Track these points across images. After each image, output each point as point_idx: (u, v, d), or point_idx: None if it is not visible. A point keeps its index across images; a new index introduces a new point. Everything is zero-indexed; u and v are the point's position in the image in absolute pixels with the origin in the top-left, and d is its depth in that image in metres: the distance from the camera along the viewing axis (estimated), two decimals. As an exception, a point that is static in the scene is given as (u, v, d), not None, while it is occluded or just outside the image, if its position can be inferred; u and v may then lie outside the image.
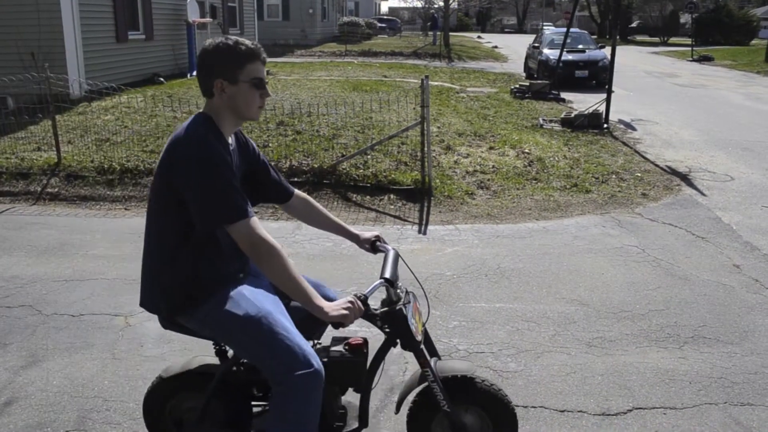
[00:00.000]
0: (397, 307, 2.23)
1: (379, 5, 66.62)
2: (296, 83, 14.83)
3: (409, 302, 2.30)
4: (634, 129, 11.12)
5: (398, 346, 2.29)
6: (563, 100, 14.16)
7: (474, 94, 14.51)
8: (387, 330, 2.28)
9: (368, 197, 6.81)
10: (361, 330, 3.38)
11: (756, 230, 5.89)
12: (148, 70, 15.20)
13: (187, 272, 2.15)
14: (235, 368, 2.39)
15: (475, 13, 71.42)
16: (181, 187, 2.05)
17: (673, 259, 5.14)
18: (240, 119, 2.21)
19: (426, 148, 7.00)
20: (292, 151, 7.92)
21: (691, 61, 28.87)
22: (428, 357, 2.33)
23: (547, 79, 15.25)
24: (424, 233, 5.82)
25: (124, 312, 4.12)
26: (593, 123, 10.72)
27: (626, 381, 3.39)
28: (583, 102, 13.30)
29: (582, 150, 9.11)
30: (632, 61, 27.01)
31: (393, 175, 7.17)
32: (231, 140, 2.23)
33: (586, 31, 22.30)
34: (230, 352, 2.37)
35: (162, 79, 14.99)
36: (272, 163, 2.53)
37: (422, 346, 2.32)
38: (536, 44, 19.60)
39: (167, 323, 2.28)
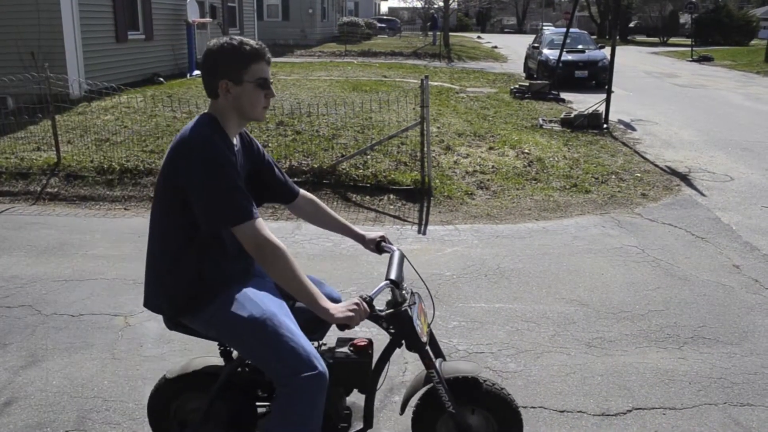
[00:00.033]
0: (403, 309, 2.23)
1: (379, 5, 66.65)
2: (296, 83, 14.83)
3: (415, 303, 2.29)
4: (633, 129, 11.12)
5: (403, 347, 2.29)
6: (563, 100, 14.16)
7: (474, 95, 14.52)
8: (392, 331, 2.28)
9: (368, 197, 6.81)
10: (361, 330, 3.38)
11: (756, 230, 5.89)
12: (147, 70, 15.20)
13: (192, 273, 2.15)
14: (239, 369, 2.38)
15: (475, 14, 71.43)
16: (185, 188, 2.05)
17: (673, 259, 5.14)
18: (245, 120, 2.20)
19: (426, 149, 7.00)
20: (291, 151, 7.92)
21: (690, 61, 28.88)
22: (433, 358, 2.33)
23: (547, 80, 15.25)
24: (424, 233, 5.83)
25: (124, 312, 4.12)
26: (593, 123, 10.72)
27: (626, 381, 3.40)
28: (583, 102, 13.30)
29: (582, 150, 9.11)
30: (632, 62, 27.02)
31: (393, 175, 7.17)
32: (235, 141, 2.22)
33: (585, 32, 22.30)
34: (235, 353, 2.37)
35: (162, 79, 15.00)
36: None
37: (427, 347, 2.31)
38: (536, 44, 19.60)
39: (172, 324, 2.28)
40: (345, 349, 2.32)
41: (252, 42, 2.14)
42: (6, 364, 3.48)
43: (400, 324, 2.24)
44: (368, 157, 7.76)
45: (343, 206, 6.61)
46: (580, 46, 18.35)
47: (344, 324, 2.04)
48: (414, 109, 9.31)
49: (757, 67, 24.81)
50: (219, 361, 2.44)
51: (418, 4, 42.55)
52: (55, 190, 6.92)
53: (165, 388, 2.48)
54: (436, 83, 16.05)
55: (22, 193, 6.85)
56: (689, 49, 31.95)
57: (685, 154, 9.20)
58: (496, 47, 35.97)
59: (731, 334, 3.91)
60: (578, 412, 3.13)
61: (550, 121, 11.22)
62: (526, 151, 8.77)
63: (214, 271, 2.17)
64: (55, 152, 7.55)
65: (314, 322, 2.24)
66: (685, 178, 7.76)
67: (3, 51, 11.38)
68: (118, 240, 5.51)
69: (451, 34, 36.74)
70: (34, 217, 6.21)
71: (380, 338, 2.47)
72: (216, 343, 2.35)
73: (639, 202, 6.81)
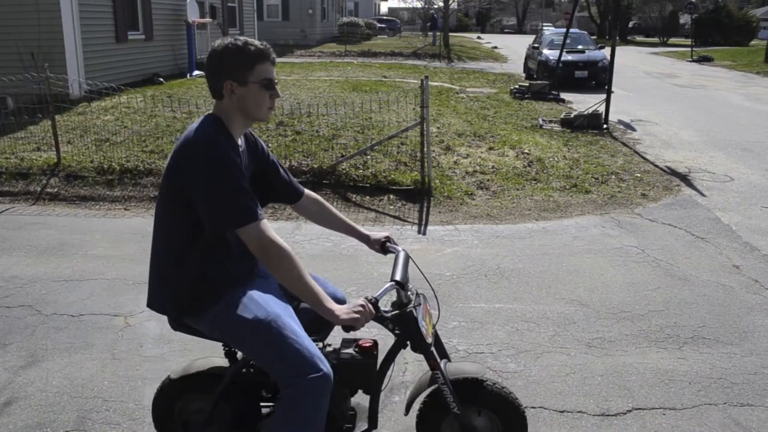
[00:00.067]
0: (408, 310, 2.23)
1: (379, 5, 66.65)
2: (296, 83, 14.83)
3: (420, 304, 2.29)
4: (633, 129, 11.12)
5: (408, 347, 2.29)
6: (563, 100, 14.16)
7: (473, 95, 14.52)
8: (397, 332, 2.28)
9: (368, 197, 6.82)
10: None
11: (755, 231, 5.89)
12: (147, 70, 15.20)
13: (196, 273, 2.14)
14: (244, 370, 2.38)
15: (475, 14, 71.44)
16: (190, 189, 2.04)
17: (673, 259, 5.14)
18: (250, 120, 2.20)
19: (426, 149, 7.00)
20: (291, 152, 7.92)
21: (690, 61, 28.89)
22: (438, 359, 2.33)
23: (547, 80, 15.25)
24: (424, 233, 5.82)
25: (124, 312, 4.12)
26: (593, 123, 10.72)
27: (626, 381, 3.40)
28: (583, 102, 13.30)
29: (581, 150, 9.12)
30: (632, 62, 27.02)
31: (393, 176, 7.17)
32: (240, 141, 2.21)
33: (585, 32, 22.31)
34: (239, 354, 2.37)
35: (162, 79, 14.99)
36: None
37: (432, 349, 2.31)
38: (536, 45, 19.61)
39: (176, 324, 2.27)
40: (350, 350, 2.31)
41: (257, 42, 2.13)
42: (6, 364, 3.48)
43: (405, 325, 2.24)
44: (368, 157, 7.76)
45: (342, 206, 6.61)
46: (580, 47, 18.35)
47: (350, 326, 2.04)
48: (414, 109, 9.31)
49: (756, 68, 24.82)
50: (223, 361, 2.44)
51: (418, 5, 42.57)
52: (55, 190, 6.92)
53: (169, 389, 2.47)
54: (435, 83, 16.05)
55: (22, 194, 6.85)
56: (689, 49, 31.95)
57: (685, 154, 9.20)
58: (495, 47, 35.97)
59: (731, 335, 3.91)
60: (578, 412, 3.13)
61: (550, 122, 11.22)
62: (526, 151, 8.77)
63: (218, 272, 2.16)
64: (55, 152, 7.55)
65: (318, 322, 2.24)
66: (685, 179, 7.76)
67: (3, 51, 11.39)
68: (118, 240, 5.51)
69: (450, 34, 36.74)
70: (34, 217, 6.21)
71: (381, 337, 2.47)
72: (219, 343, 2.35)
73: (639, 202, 6.81)
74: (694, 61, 28.88)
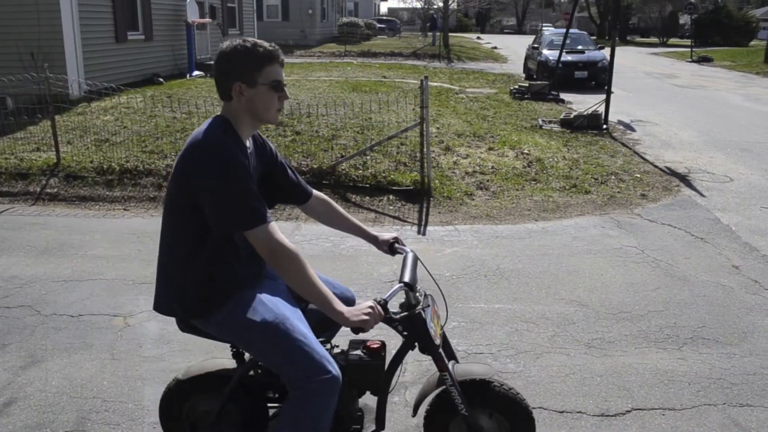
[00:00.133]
0: (416, 311, 2.22)
1: (379, 6, 66.66)
2: (295, 84, 14.83)
3: (428, 306, 2.29)
4: (633, 130, 11.12)
5: (416, 349, 2.29)
6: (562, 100, 14.17)
7: (473, 95, 14.52)
8: (405, 334, 2.28)
9: (367, 198, 6.82)
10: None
11: (755, 231, 5.89)
12: (147, 70, 15.20)
13: (203, 275, 2.13)
14: (252, 371, 2.38)
15: (475, 14, 71.47)
16: (197, 191, 2.03)
17: (672, 259, 5.14)
18: (258, 122, 2.19)
19: (425, 149, 7.00)
20: (291, 152, 7.92)
21: (690, 62, 28.90)
22: (446, 360, 2.33)
23: (547, 80, 15.26)
24: (424, 234, 5.83)
25: (124, 312, 4.12)
26: (592, 124, 10.73)
27: (625, 382, 3.40)
28: (583, 103, 13.31)
29: (581, 151, 9.12)
30: (631, 62, 27.03)
31: (392, 176, 7.17)
32: (248, 143, 2.20)
33: (585, 32, 22.31)
34: (247, 355, 2.37)
35: (161, 79, 15.00)
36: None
37: (440, 350, 2.31)
38: (535, 45, 19.62)
39: (184, 326, 2.27)
40: (358, 352, 2.31)
41: (265, 44, 2.12)
42: (5, 365, 3.48)
43: (414, 327, 2.24)
44: (368, 157, 7.76)
45: (342, 207, 6.58)
46: (579, 47, 18.37)
47: (359, 327, 2.04)
48: (413, 109, 9.31)
49: (756, 68, 24.83)
50: (231, 362, 2.43)
51: (418, 5, 42.59)
52: (55, 190, 6.92)
53: (177, 390, 2.47)
54: (435, 84, 16.06)
55: (21, 194, 6.85)
56: (689, 49, 31.97)
57: (685, 154, 9.20)
58: (495, 48, 35.99)
59: (731, 335, 3.91)
60: (578, 412, 3.13)
61: (550, 122, 11.22)
62: (526, 151, 8.78)
63: (226, 274, 2.15)
64: (54, 153, 7.55)
65: (326, 323, 2.24)
66: (684, 179, 7.76)
67: (3, 51, 11.39)
68: (117, 240, 5.51)
69: (450, 34, 36.75)
70: (33, 217, 6.21)
71: (388, 338, 2.47)
72: (221, 343, 2.35)
73: (638, 202, 6.81)
74: (693, 61, 28.89)
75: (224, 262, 2.14)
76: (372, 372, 2.30)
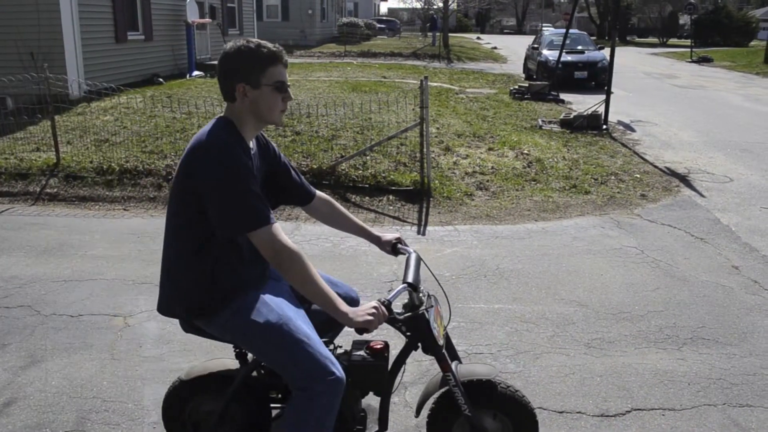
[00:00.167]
0: (420, 312, 2.23)
1: (379, 6, 66.66)
2: (295, 84, 14.82)
3: (432, 306, 2.29)
4: (633, 130, 11.13)
5: (419, 349, 2.29)
6: (562, 101, 14.17)
7: (473, 95, 14.52)
8: (409, 334, 2.28)
9: (367, 198, 6.82)
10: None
11: (755, 231, 5.89)
12: (147, 70, 15.20)
13: (207, 277, 2.13)
14: (255, 372, 2.38)
15: (475, 14, 71.50)
16: (201, 193, 2.02)
17: (672, 260, 5.14)
18: (262, 123, 2.19)
19: (425, 149, 7.00)
20: (291, 152, 7.92)
21: (690, 62, 28.91)
22: (450, 361, 2.33)
23: (547, 80, 15.26)
24: (423, 234, 5.83)
25: (123, 312, 4.12)
26: (592, 124, 10.73)
27: (625, 382, 3.40)
28: (582, 103, 13.31)
29: (581, 151, 9.12)
30: (631, 62, 27.04)
31: (392, 176, 7.17)
32: (252, 144, 2.20)
33: (585, 32, 22.33)
34: (250, 355, 2.37)
35: (161, 79, 15.00)
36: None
37: (444, 351, 2.31)
38: (535, 45, 19.62)
39: (188, 327, 2.27)
40: (361, 352, 2.31)
41: (269, 45, 2.12)
42: (5, 365, 3.48)
43: (417, 327, 2.24)
44: (368, 157, 7.76)
45: (342, 207, 6.61)
46: (579, 47, 18.37)
47: (363, 328, 2.04)
48: (413, 109, 9.31)
49: (756, 68, 24.84)
50: (234, 363, 2.44)
51: (418, 5, 42.61)
52: (55, 190, 6.92)
53: (179, 390, 2.47)
54: (435, 84, 16.06)
55: (21, 194, 6.85)
56: (689, 50, 31.98)
57: (685, 155, 9.20)
58: (495, 48, 36.00)
59: (730, 335, 3.91)
60: (577, 412, 3.13)
61: (550, 122, 11.22)
62: (526, 152, 8.78)
63: (229, 275, 2.15)
64: (54, 153, 7.55)
65: (329, 323, 2.24)
66: (684, 179, 7.76)
67: (3, 51, 11.39)
68: (117, 240, 5.51)
69: (450, 34, 36.76)
70: (33, 217, 6.21)
71: (391, 338, 2.47)
72: (222, 342, 2.34)
73: (638, 203, 6.81)
74: (693, 61, 28.90)
75: (228, 264, 2.14)
76: (375, 373, 2.30)
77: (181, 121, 9.58)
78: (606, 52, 13.79)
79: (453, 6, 40.42)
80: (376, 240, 2.55)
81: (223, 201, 2.00)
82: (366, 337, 2.21)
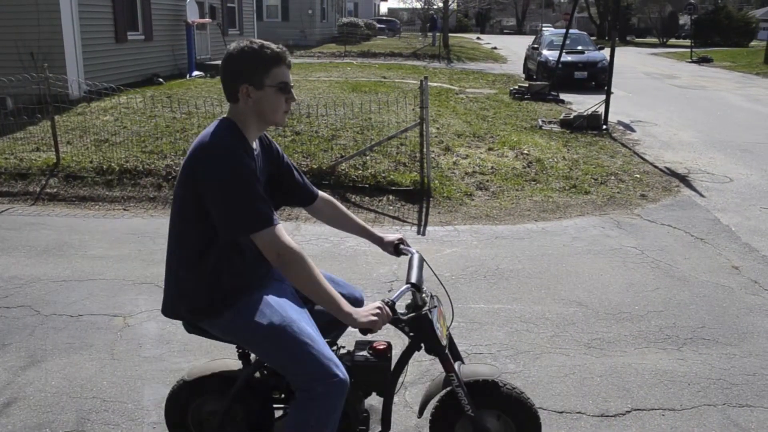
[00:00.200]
0: (423, 312, 2.23)
1: (379, 6, 66.67)
2: (295, 84, 14.72)
3: (435, 307, 2.30)
4: (633, 130, 11.13)
5: (422, 350, 2.29)
6: (562, 101, 14.17)
7: (473, 96, 14.52)
8: (412, 335, 2.28)
9: (367, 198, 6.82)
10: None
11: (755, 231, 5.89)
12: (147, 70, 15.20)
13: (210, 278, 2.13)
14: (258, 372, 2.38)
15: (475, 14, 71.51)
16: (204, 194, 2.02)
17: (672, 260, 5.14)
18: (265, 124, 2.18)
19: (425, 149, 7.01)
20: (291, 152, 7.92)
21: (690, 62, 28.91)
22: (452, 361, 2.33)
23: (547, 81, 15.26)
24: (423, 234, 5.83)
25: (123, 312, 4.12)
26: (592, 124, 10.73)
27: (625, 382, 3.40)
28: (582, 103, 13.31)
29: (581, 151, 9.12)
30: (631, 63, 27.04)
31: (392, 176, 7.18)
32: (255, 144, 2.20)
33: (585, 33, 22.32)
34: (253, 356, 2.37)
35: (161, 79, 14.99)
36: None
37: (447, 351, 2.31)
38: (535, 45, 19.62)
39: (191, 328, 2.27)
40: (364, 353, 2.31)
41: (273, 45, 2.11)
42: (5, 365, 3.48)
43: (420, 328, 2.24)
44: (367, 157, 7.76)
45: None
46: (579, 47, 18.37)
47: (367, 328, 2.04)
48: (413, 110, 9.32)
49: (756, 69, 24.85)
50: (236, 363, 2.43)
51: (418, 5, 42.58)
52: (55, 190, 6.92)
53: (182, 391, 2.47)
54: (435, 84, 16.06)
55: (21, 194, 6.85)
56: (689, 50, 31.98)
57: (685, 155, 9.20)
58: (495, 48, 36.00)
59: (730, 335, 3.91)
60: (577, 413, 3.13)
61: (550, 122, 11.22)
62: (526, 152, 8.78)
63: (233, 277, 2.15)
64: (54, 153, 7.55)
65: (333, 323, 2.24)
66: (684, 179, 7.76)
67: (3, 51, 11.39)
68: (117, 240, 5.51)
69: (450, 35, 36.76)
70: (33, 217, 6.21)
71: (393, 338, 2.47)
72: (222, 342, 2.34)
73: (638, 203, 6.81)
74: (693, 62, 28.90)
75: (231, 265, 2.14)
76: (378, 373, 2.30)
77: (181, 121, 9.58)
78: (606, 53, 13.79)
79: (453, 6, 40.43)
80: (378, 241, 2.55)
81: (226, 203, 2.00)
82: (369, 337, 2.21)
